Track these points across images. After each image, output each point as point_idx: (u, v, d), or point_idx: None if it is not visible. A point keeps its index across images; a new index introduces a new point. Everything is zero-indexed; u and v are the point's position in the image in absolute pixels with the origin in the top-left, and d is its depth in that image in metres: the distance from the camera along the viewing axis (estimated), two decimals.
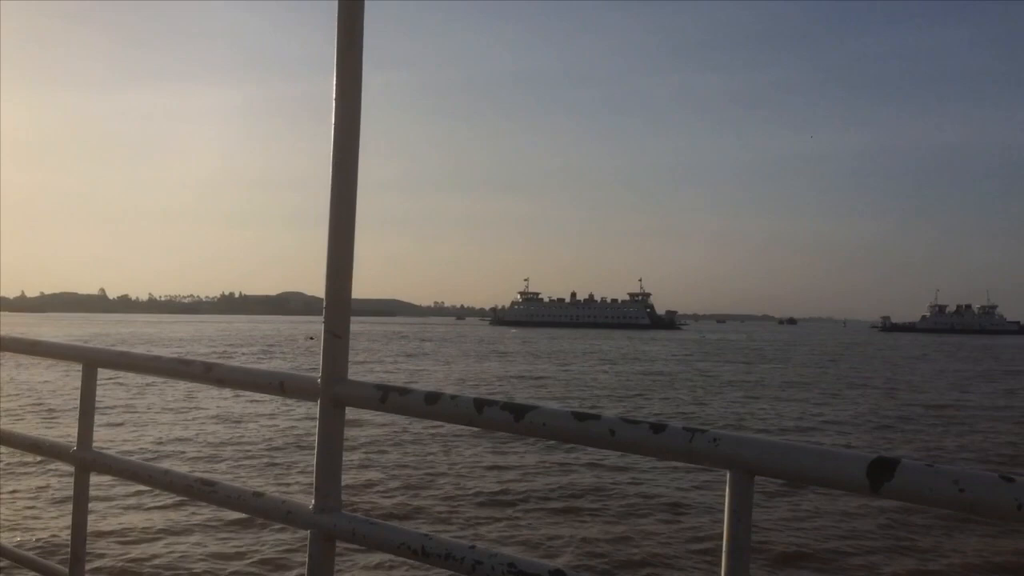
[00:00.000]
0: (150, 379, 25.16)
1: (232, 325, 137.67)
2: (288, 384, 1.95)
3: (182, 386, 24.18)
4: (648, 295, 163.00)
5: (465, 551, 1.54)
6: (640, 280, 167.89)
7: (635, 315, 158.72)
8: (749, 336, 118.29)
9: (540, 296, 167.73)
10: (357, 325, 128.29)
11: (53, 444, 2.55)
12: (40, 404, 22.10)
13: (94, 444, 2.39)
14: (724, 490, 1.34)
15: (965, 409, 25.61)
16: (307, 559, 1.81)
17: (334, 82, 1.83)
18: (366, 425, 17.66)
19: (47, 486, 11.93)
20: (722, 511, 1.35)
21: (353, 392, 1.81)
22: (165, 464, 6.39)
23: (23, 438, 2.71)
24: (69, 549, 2.37)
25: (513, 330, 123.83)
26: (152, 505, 10.92)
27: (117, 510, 10.74)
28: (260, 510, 1.96)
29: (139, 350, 2.47)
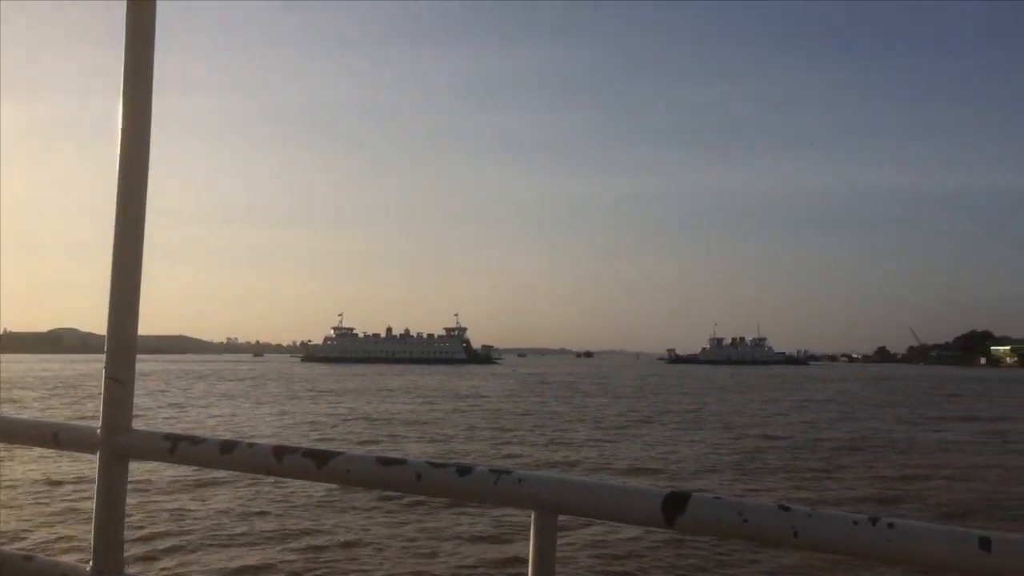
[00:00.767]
0: None
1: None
2: (63, 436, 1.79)
3: None
4: (464, 330, 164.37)
5: None
6: (456, 315, 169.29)
7: (452, 350, 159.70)
8: (553, 370, 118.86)
9: (354, 331, 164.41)
10: (145, 363, 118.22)
11: None
12: None
13: None
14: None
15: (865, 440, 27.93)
16: None
17: (120, 103, 1.71)
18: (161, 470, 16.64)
19: None
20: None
21: (138, 443, 1.69)
22: None
23: None
24: None
25: (324, 367, 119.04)
26: None
27: None
28: None
29: None
